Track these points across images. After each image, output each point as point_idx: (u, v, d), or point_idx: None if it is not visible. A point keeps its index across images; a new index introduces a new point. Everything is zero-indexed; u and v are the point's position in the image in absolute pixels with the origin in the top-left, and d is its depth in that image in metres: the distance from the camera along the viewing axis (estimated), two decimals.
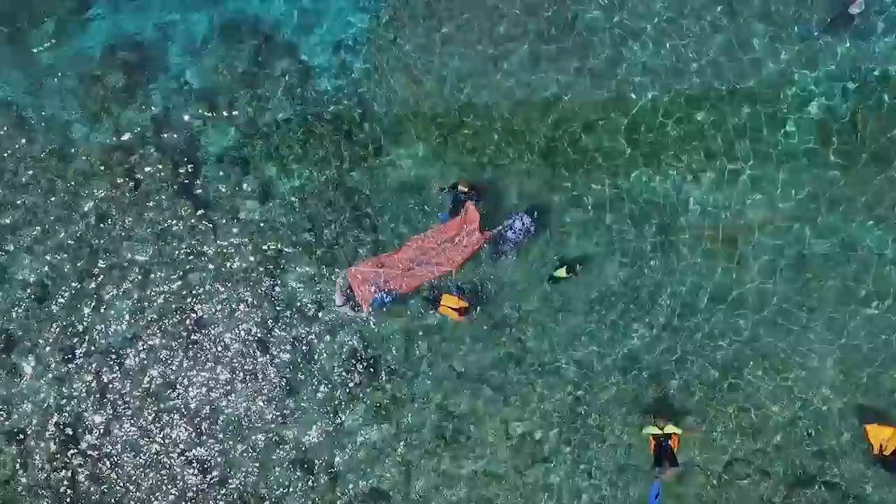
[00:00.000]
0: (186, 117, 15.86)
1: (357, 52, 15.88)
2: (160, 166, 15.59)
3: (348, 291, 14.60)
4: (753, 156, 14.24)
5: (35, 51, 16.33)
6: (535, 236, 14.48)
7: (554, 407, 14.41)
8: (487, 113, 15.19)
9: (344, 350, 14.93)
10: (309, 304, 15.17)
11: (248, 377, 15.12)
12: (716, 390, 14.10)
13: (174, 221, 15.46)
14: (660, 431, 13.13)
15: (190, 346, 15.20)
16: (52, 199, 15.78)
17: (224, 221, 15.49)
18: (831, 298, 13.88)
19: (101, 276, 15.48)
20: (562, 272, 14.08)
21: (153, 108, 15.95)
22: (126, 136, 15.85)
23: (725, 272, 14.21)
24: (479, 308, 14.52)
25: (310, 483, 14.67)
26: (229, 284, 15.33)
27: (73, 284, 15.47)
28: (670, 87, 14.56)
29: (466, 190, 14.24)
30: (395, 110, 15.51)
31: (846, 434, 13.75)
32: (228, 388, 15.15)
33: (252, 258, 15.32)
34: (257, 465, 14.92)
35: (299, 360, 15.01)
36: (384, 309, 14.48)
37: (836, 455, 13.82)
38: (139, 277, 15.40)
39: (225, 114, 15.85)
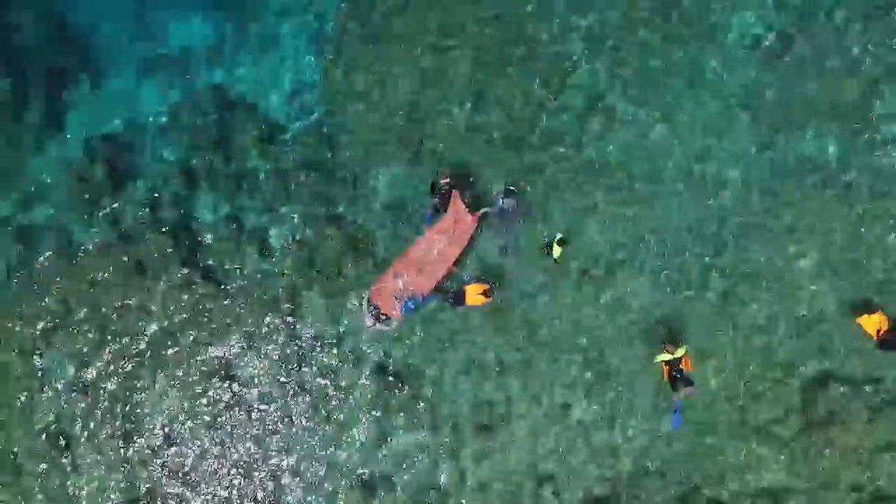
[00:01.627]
0: (171, 193, 16.74)
1: (313, 93, 16.82)
2: (161, 246, 16.35)
3: (374, 311, 15.47)
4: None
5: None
6: (521, 213, 15.47)
7: (576, 374, 15.40)
8: (446, 116, 16.15)
9: (370, 367, 15.82)
10: (331, 335, 16.03)
11: (288, 417, 15.99)
12: (716, 317, 15.13)
13: (186, 295, 16.25)
14: (670, 356, 14.15)
15: (233, 401, 16.11)
16: (71, 302, 16.55)
17: (233, 281, 16.36)
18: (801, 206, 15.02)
19: (137, 359, 16.25)
20: (558, 250, 15.00)
21: (140, 192, 16.76)
22: (123, 225, 16.63)
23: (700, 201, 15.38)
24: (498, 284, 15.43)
25: (376, 498, 15.62)
26: (253, 337, 16.20)
27: (112, 375, 16.27)
28: None
29: (447, 181, 15.17)
30: (361, 138, 16.45)
31: (847, 330, 14.79)
32: (274, 432, 16.00)
33: (267, 307, 16.16)
34: (322, 497, 15.82)
35: (332, 388, 15.90)
36: (414, 313, 15.35)
37: (843, 353, 14.85)
38: (170, 352, 16.21)
39: (206, 182, 16.71)
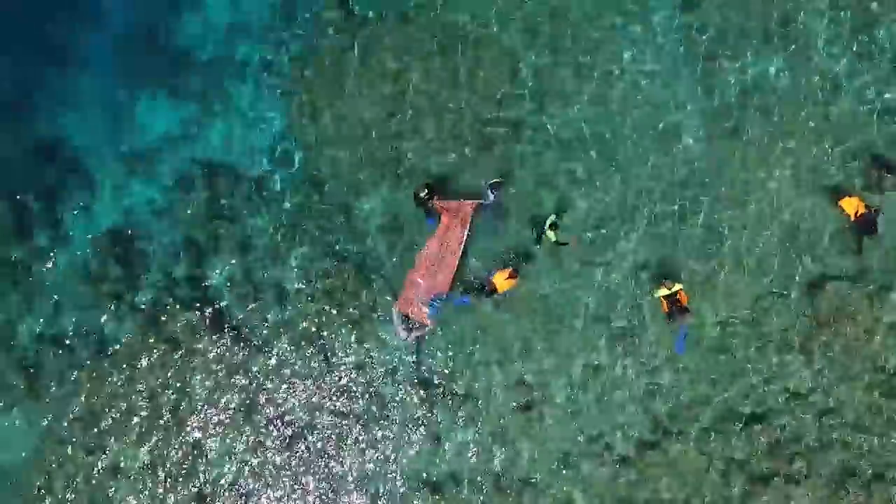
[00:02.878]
0: (184, 269, 17.67)
1: (289, 143, 17.80)
2: (188, 321, 17.28)
3: (405, 322, 16.47)
4: None
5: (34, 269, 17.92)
6: (504, 204, 16.63)
7: (595, 335, 16.46)
8: (415, 133, 17.15)
9: (408, 378, 16.83)
10: (364, 358, 17.04)
11: (346, 441, 17.01)
12: (705, 250, 16.23)
13: (220, 362, 17.19)
14: (668, 291, 15.32)
15: (290, 442, 17.08)
16: (119, 393, 17.36)
17: (260, 336, 17.29)
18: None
19: (197, 427, 17.12)
20: (551, 235, 15.95)
21: (155, 276, 17.67)
22: (148, 311, 17.53)
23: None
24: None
25: (445, 495, 16.57)
26: (293, 382, 17.16)
27: (177, 447, 17.14)
28: None
29: (427, 191, 16.21)
30: (343, 173, 17.42)
31: (830, 227, 15.89)
32: (337, 459, 17.00)
33: (300, 349, 17.17)
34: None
35: (379, 405, 16.90)
36: (440, 312, 16.40)
37: (831, 253, 15.96)
38: (222, 415, 17.14)
39: (213, 251, 17.60)
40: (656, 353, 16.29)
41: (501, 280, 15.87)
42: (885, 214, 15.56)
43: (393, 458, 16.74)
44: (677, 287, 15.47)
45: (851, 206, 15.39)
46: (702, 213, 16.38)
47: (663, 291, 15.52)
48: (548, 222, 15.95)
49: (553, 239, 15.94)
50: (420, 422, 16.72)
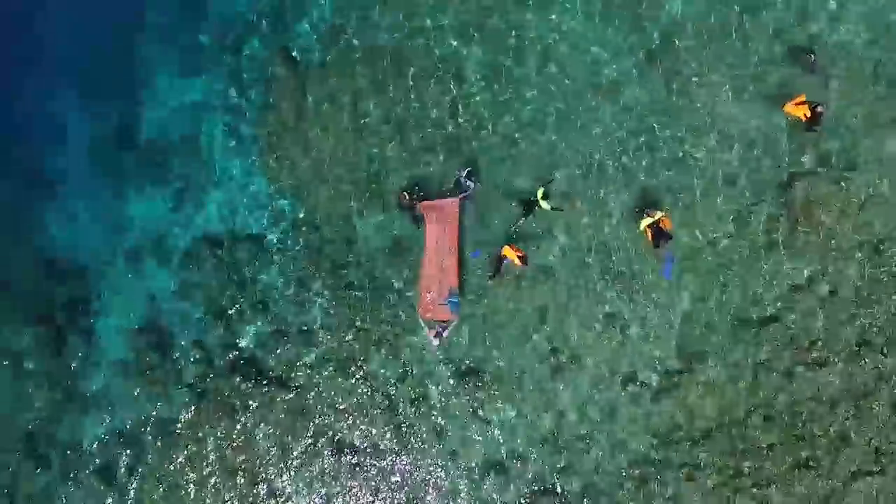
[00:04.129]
0: (215, 338, 18.76)
1: (275, 196, 18.84)
2: (234, 386, 18.48)
3: (433, 327, 17.64)
4: None
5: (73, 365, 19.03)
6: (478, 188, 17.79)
7: (602, 288, 17.67)
8: (387, 153, 18.27)
9: (445, 377, 18.02)
10: (400, 371, 18.24)
11: (408, 449, 18.27)
12: (678, 181, 17.45)
13: (276, 409, 18.42)
14: (652, 219, 16.49)
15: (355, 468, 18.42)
16: (194, 467, 18.59)
17: (301, 378, 18.49)
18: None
19: (267, 472, 18.42)
20: (545, 204, 16.98)
21: (191, 352, 18.80)
22: (195, 386, 18.67)
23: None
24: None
25: (509, 471, 17.85)
26: (345, 410, 18.38)
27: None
28: None
29: (409, 198, 17.49)
30: (332, 208, 18.48)
31: (783, 130, 17.07)
32: (402, 468, 18.28)
33: (340, 379, 18.34)
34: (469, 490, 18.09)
35: (424, 407, 18.12)
36: (459, 304, 17.62)
37: (791, 151, 17.11)
38: (293, 460, 18.37)
39: (236, 316, 18.70)
40: (660, 291, 17.51)
41: (510, 253, 16.95)
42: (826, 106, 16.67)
43: (454, 450, 17.96)
44: (659, 215, 16.60)
45: (798, 109, 16.56)
46: (665, 148, 17.51)
47: (647, 221, 16.58)
48: (539, 193, 16.99)
49: (548, 207, 17.00)
50: (468, 411, 17.92)
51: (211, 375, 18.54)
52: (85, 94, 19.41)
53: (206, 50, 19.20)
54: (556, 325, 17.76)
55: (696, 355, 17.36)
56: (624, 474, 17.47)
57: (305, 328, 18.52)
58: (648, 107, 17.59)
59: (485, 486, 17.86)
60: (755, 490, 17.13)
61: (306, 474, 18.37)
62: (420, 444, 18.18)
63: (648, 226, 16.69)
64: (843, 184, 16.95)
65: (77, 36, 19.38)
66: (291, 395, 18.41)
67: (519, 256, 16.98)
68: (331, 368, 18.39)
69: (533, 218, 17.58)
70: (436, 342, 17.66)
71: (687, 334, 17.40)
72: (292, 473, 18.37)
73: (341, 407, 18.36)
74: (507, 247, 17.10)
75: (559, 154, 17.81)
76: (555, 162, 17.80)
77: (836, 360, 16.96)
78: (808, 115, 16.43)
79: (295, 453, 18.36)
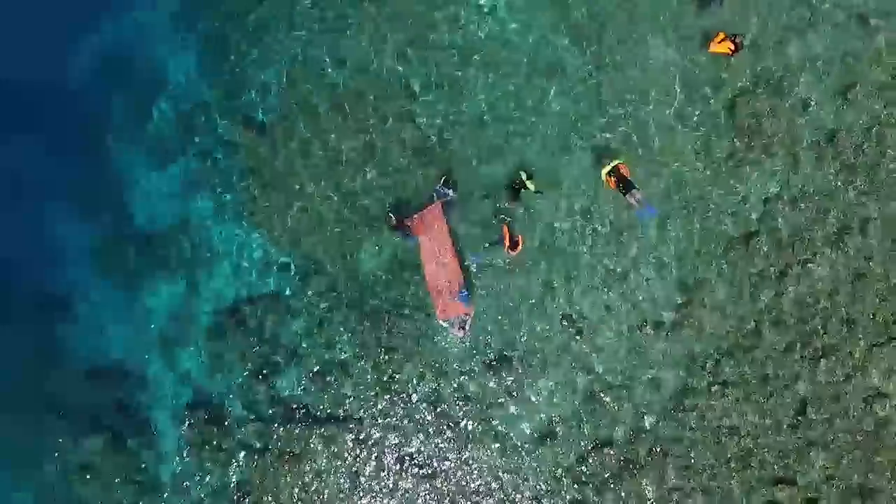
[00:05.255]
0: (261, 395, 19.73)
1: (276, 251, 19.97)
2: (294, 435, 19.44)
3: (454, 323, 18.83)
4: None
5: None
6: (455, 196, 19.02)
7: (595, 252, 19.02)
8: (365, 182, 19.46)
9: (474, 374, 19.20)
10: (433, 381, 19.35)
11: (462, 450, 19.40)
12: (629, 133, 18.81)
13: (336, 445, 19.42)
14: (609, 167, 17.63)
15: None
16: None
17: (350, 409, 19.49)
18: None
19: None
20: (531, 185, 18.10)
21: (242, 414, 19.72)
22: (253, 446, 19.62)
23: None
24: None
25: (558, 435, 19.00)
26: (397, 427, 19.45)
27: None
28: None
29: (396, 219, 18.71)
30: (330, 248, 19.59)
31: (715, 62, 18.48)
32: (463, 461, 19.43)
33: (382, 398, 19.41)
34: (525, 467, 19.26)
35: (465, 404, 19.26)
36: (470, 296, 18.83)
37: (727, 76, 18.49)
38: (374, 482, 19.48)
39: (272, 375, 19.69)
40: (645, 235, 18.85)
41: (507, 234, 18.02)
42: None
43: (505, 433, 19.14)
44: (616, 162, 17.75)
45: (721, 47, 17.91)
46: (616, 109, 18.85)
47: (606, 169, 17.71)
48: (524, 177, 18.13)
49: (533, 188, 18.13)
50: (507, 395, 19.13)
51: (268, 431, 19.49)
52: (74, 210, 20.44)
53: (174, 137, 20.32)
54: (564, 294, 18.96)
55: (696, 284, 18.60)
56: (665, 407, 18.67)
57: (339, 364, 19.59)
58: (590, 77, 18.89)
59: (542, 456, 18.98)
60: (784, 390, 18.36)
61: (382, 496, 19.41)
62: (473, 436, 19.28)
63: (608, 174, 17.77)
64: (780, 93, 18.32)
65: (50, 156, 20.42)
66: (345, 426, 19.45)
67: (517, 241, 18.03)
68: (373, 391, 19.47)
69: (520, 202, 18.76)
70: (460, 334, 18.84)
71: (683, 267, 18.67)
72: (369, 499, 19.41)
73: (393, 423, 19.44)
74: (505, 227, 18.29)
75: (521, 137, 19.02)
76: (520, 146, 19.01)
77: (822, 252, 18.27)
78: (732, 48, 17.83)
79: (363, 479, 19.40)
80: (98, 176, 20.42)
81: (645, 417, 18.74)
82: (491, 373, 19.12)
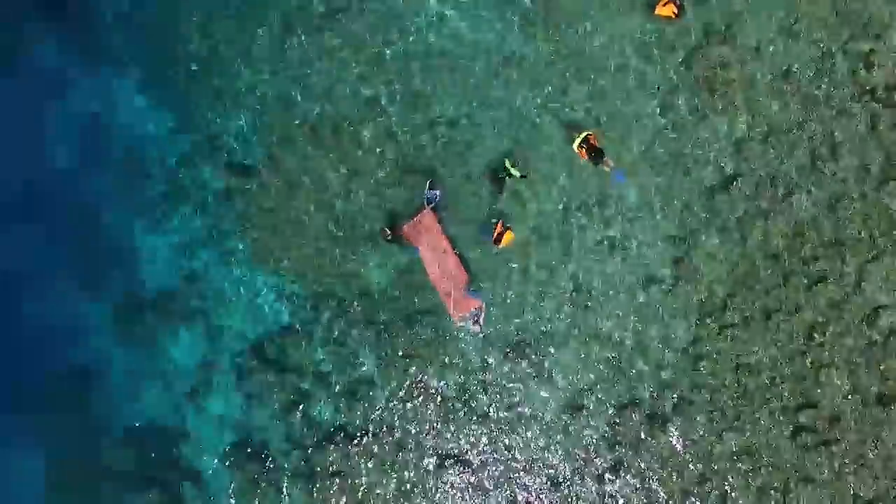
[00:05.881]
0: (297, 424, 20.28)
1: (284, 286, 20.63)
2: (332, 456, 20.04)
3: (470, 317, 19.63)
4: None
5: None
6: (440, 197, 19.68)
7: (586, 224, 19.76)
8: (358, 203, 20.13)
9: (492, 362, 19.99)
10: (460, 376, 20.14)
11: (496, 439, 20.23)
12: (597, 101, 19.60)
13: (372, 458, 20.11)
14: (580, 138, 18.34)
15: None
16: None
17: (385, 421, 20.19)
18: None
19: None
20: (516, 172, 18.74)
21: (285, 448, 20.31)
22: (303, 474, 20.27)
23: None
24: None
25: (583, 409, 19.84)
26: (427, 431, 20.20)
27: None
28: None
29: (390, 231, 19.35)
30: (333, 272, 20.27)
31: (665, 25, 19.31)
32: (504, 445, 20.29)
33: (413, 405, 20.14)
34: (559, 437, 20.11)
35: (494, 395, 20.13)
36: (480, 291, 19.70)
37: (678, 35, 19.33)
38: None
39: (300, 413, 20.28)
40: (630, 200, 19.65)
41: (500, 230, 18.68)
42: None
43: (535, 414, 19.98)
44: (585, 133, 18.45)
45: (665, 10, 18.76)
46: (574, 81, 19.57)
47: (577, 141, 18.41)
48: (508, 165, 18.80)
49: (518, 174, 18.79)
50: (529, 377, 19.94)
51: (311, 457, 20.14)
52: (85, 287, 20.89)
53: (165, 197, 20.79)
54: (565, 272, 19.75)
55: (688, 236, 19.41)
56: (681, 359, 19.48)
57: (364, 378, 20.29)
58: (547, 63, 19.63)
59: (575, 429, 19.78)
60: (789, 319, 19.17)
61: (431, 494, 20.15)
62: (506, 422, 20.06)
63: (580, 146, 18.47)
64: (730, 41, 19.11)
65: (51, 243, 20.91)
66: (383, 436, 20.17)
67: (497, 236, 18.64)
68: (402, 398, 20.16)
69: (507, 190, 19.48)
70: (476, 329, 19.61)
71: (671, 223, 19.45)
72: (420, 500, 20.13)
73: (427, 425, 20.15)
74: (497, 227, 18.86)
75: (490, 129, 19.72)
76: (495, 139, 19.71)
77: (799, 184, 19.07)
78: (676, 11, 18.65)
79: (410, 484, 20.13)
80: (101, 250, 20.88)
81: (662, 373, 19.54)
82: (510, 360, 19.88)
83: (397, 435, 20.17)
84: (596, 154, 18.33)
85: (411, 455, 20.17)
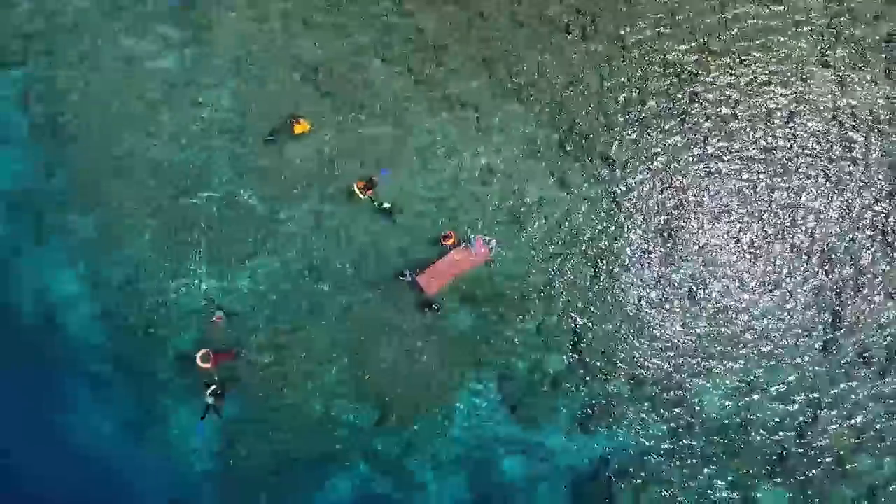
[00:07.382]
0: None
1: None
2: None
3: (478, 248, 18.56)
4: None
5: None
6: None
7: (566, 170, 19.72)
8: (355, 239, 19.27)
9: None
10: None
11: None
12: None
13: None
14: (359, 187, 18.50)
15: None
16: None
17: None
18: None
19: None
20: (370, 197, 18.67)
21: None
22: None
23: None
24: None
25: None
26: None
27: None
28: None
29: (407, 277, 18.63)
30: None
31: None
32: None
33: None
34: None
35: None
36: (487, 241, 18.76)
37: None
38: None
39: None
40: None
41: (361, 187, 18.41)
42: None
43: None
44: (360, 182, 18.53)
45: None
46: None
47: (356, 188, 18.54)
48: (356, 187, 18.52)
49: (380, 203, 18.80)
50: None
51: None
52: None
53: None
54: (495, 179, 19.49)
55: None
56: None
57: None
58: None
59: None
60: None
61: None
62: None
63: (361, 191, 18.52)
64: None
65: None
66: None
67: (363, 187, 18.39)
68: None
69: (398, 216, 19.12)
70: (488, 252, 18.70)
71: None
72: None
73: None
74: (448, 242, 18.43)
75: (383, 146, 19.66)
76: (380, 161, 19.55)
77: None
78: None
79: None
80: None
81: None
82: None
83: None
84: (369, 183, 18.59)
85: None
